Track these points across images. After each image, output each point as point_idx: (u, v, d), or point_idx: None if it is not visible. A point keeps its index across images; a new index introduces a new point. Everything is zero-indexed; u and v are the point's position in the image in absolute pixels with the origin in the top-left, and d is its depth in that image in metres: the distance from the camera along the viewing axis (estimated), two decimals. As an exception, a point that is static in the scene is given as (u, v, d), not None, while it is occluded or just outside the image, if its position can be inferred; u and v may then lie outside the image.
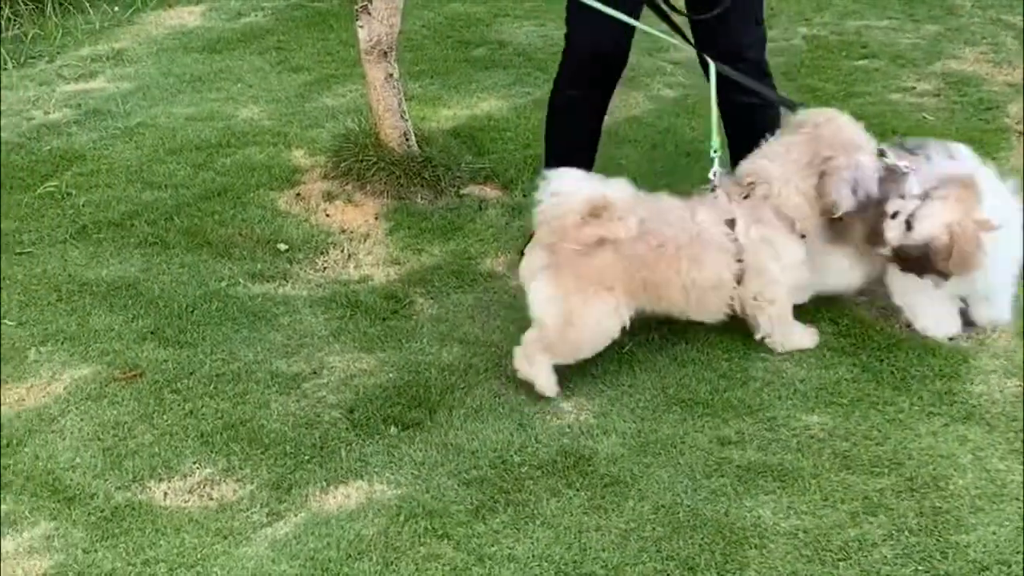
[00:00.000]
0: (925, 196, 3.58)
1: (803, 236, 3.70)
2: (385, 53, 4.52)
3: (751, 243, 3.65)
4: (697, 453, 3.32)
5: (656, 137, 5.13)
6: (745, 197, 3.70)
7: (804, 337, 3.77)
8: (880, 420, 3.42)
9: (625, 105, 5.39)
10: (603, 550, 2.98)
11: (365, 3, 4.44)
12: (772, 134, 3.86)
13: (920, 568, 2.89)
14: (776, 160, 3.71)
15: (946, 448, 3.30)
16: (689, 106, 5.33)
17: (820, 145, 3.66)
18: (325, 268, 4.26)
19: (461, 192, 4.67)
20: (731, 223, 3.65)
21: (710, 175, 3.78)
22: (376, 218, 4.52)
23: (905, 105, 5.41)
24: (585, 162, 4.07)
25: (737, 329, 3.78)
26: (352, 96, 5.57)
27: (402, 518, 3.10)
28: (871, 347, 3.73)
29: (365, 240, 4.41)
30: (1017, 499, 3.10)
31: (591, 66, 4.06)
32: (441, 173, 4.66)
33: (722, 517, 3.07)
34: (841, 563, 2.92)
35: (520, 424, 3.45)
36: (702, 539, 3.00)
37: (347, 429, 3.45)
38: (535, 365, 3.57)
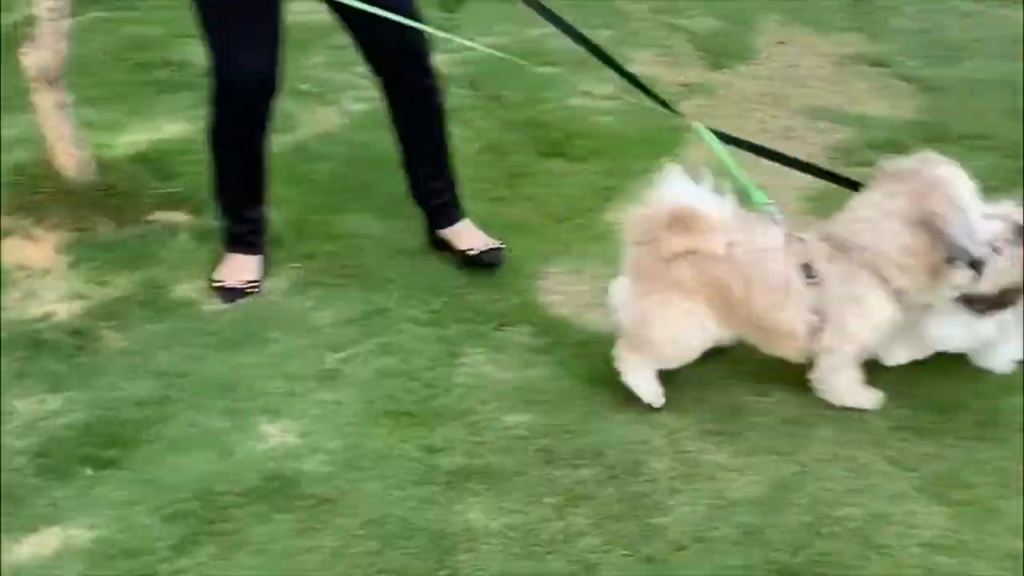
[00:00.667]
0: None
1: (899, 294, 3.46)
2: (54, 80, 4.32)
3: (837, 298, 3.44)
4: (406, 464, 3.31)
5: (350, 152, 5.11)
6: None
7: (862, 397, 3.57)
8: (580, 414, 3.51)
9: (315, 121, 5.36)
10: (315, 570, 2.94)
11: (28, 29, 4.23)
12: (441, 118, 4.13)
13: (625, 552, 2.99)
14: (875, 223, 3.43)
15: (641, 434, 3.42)
16: (382, 120, 5.32)
17: (925, 201, 3.37)
18: (3, 309, 4.03)
19: (148, 219, 4.50)
20: (809, 266, 3.44)
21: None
22: (57, 252, 4.31)
23: (586, 109, 5.59)
24: (263, 184, 4.08)
25: (438, 339, 3.82)
26: (25, 126, 5.29)
27: (101, 560, 2.96)
28: (567, 344, 3.83)
29: (46, 276, 4.19)
30: (711, 478, 3.25)
31: (258, 98, 3.93)
32: (125, 201, 4.48)
33: (433, 524, 3.08)
34: (549, 556, 2.98)
35: (222, 453, 3.35)
36: (415, 548, 3.00)
37: (35, 474, 3.26)
38: (633, 371, 3.53)
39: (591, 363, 3.73)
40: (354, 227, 4.47)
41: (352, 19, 3.96)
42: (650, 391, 3.52)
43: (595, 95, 5.74)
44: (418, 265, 4.24)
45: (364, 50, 4.10)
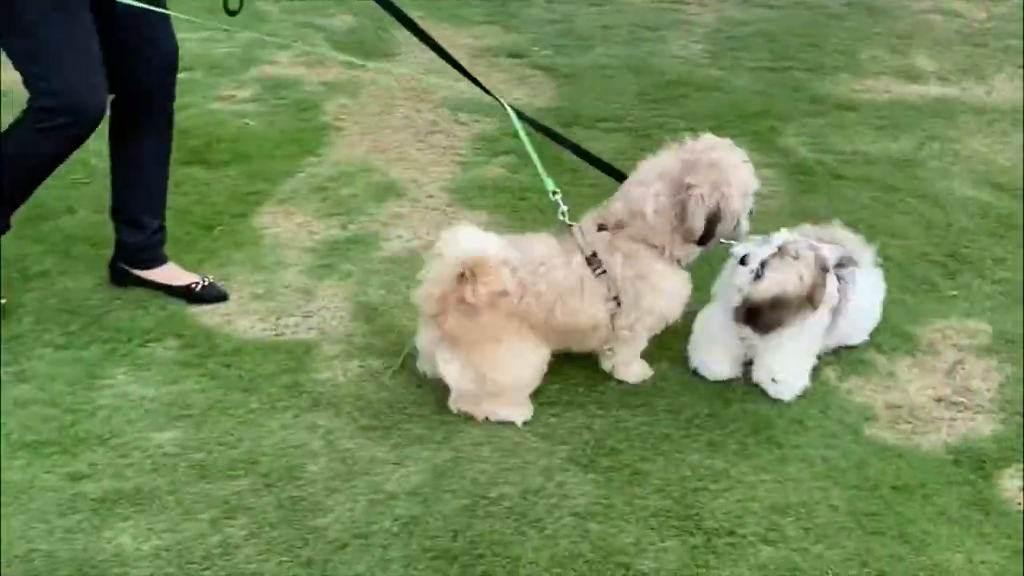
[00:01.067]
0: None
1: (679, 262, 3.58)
2: None
3: (626, 280, 3.50)
4: (48, 495, 3.14)
5: None
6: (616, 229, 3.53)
7: (643, 369, 3.72)
8: (232, 424, 3.44)
9: None
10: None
11: None
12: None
13: (284, 559, 2.95)
14: (644, 198, 3.50)
15: (298, 438, 3.39)
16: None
17: (689, 171, 3.47)
18: None
19: None
20: (593, 258, 3.48)
21: (559, 216, 3.55)
22: None
23: (227, 113, 5.49)
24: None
25: (76, 361, 3.65)
26: None
27: None
28: (217, 354, 3.74)
29: None
30: (367, 474, 3.25)
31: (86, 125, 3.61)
32: None
33: (81, 554, 2.94)
34: (206, 572, 2.90)
35: None
36: (61, 582, 2.87)
37: None
38: (499, 413, 3.49)
39: (242, 371, 3.66)
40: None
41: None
42: (520, 413, 3.52)
43: (236, 99, 5.65)
44: (53, 287, 4.03)
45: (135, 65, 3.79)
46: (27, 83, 3.56)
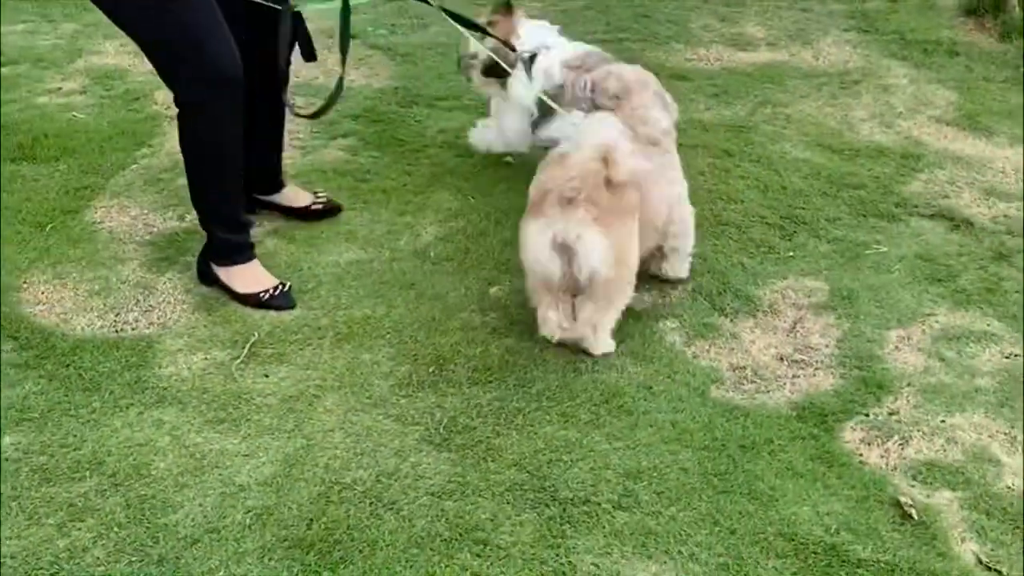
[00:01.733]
0: None
1: None
2: None
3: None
4: None
5: None
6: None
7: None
8: (75, 425, 3.34)
9: None
10: None
11: None
12: None
13: (134, 559, 2.89)
14: None
15: (144, 436, 3.31)
16: None
17: None
18: None
19: None
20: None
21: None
22: None
23: (54, 107, 5.31)
24: None
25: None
26: None
27: None
28: (55, 354, 3.63)
29: None
30: (217, 467, 3.20)
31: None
32: None
33: (-81, 571, 2.84)
34: (53, 577, 2.83)
35: None
36: (-101, 601, 2.75)
37: None
38: (601, 330, 3.68)
39: (82, 370, 3.56)
40: None
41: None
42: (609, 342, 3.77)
43: (63, 91, 5.47)
44: None
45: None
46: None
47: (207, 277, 4.01)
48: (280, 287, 3.95)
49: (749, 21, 6.61)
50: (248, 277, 3.96)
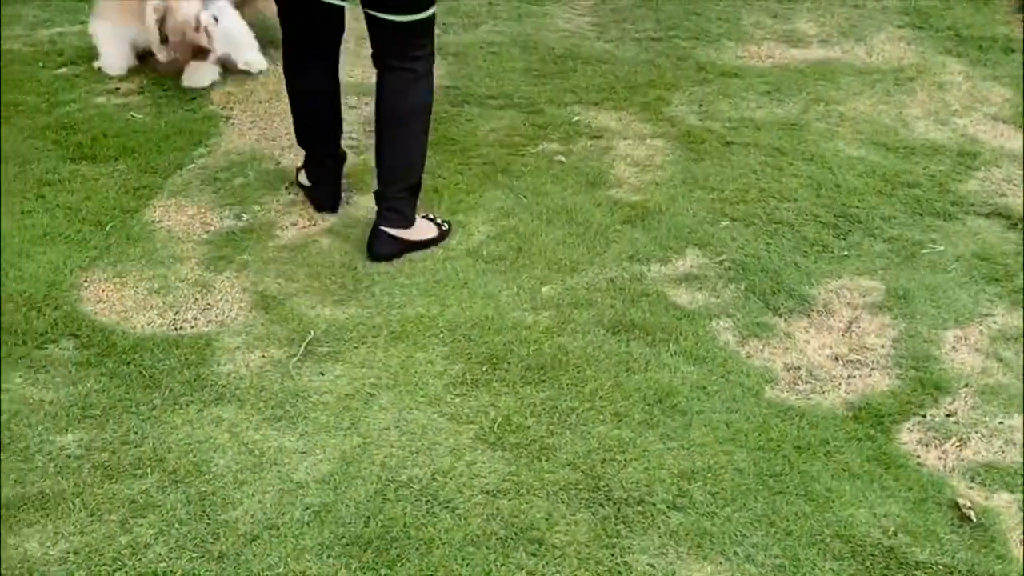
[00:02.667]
0: None
1: None
2: None
3: None
4: (-52, 506, 3.09)
5: None
6: None
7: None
8: (136, 422, 3.39)
9: None
10: None
11: None
12: None
13: (194, 555, 2.93)
14: None
15: (203, 433, 3.36)
16: None
17: None
18: None
19: None
20: None
21: None
22: None
23: (112, 107, 5.37)
24: None
25: (-29, 365, 3.58)
26: None
27: None
28: (116, 352, 3.68)
29: None
30: (275, 464, 3.24)
31: None
32: None
33: (-15, 565, 2.90)
34: (117, 573, 2.87)
35: None
36: (-33, 594, 2.82)
37: None
38: None
39: (143, 367, 3.61)
40: None
41: None
42: None
43: (121, 91, 5.54)
44: (-59, 292, 3.94)
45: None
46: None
47: None
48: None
49: (801, 17, 6.57)
50: None
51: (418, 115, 4.18)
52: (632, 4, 6.71)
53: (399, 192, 4.23)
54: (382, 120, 4.20)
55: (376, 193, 4.28)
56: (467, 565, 2.93)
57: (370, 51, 4.16)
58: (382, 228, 4.22)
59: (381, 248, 4.22)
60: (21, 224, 4.36)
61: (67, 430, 3.36)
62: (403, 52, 4.06)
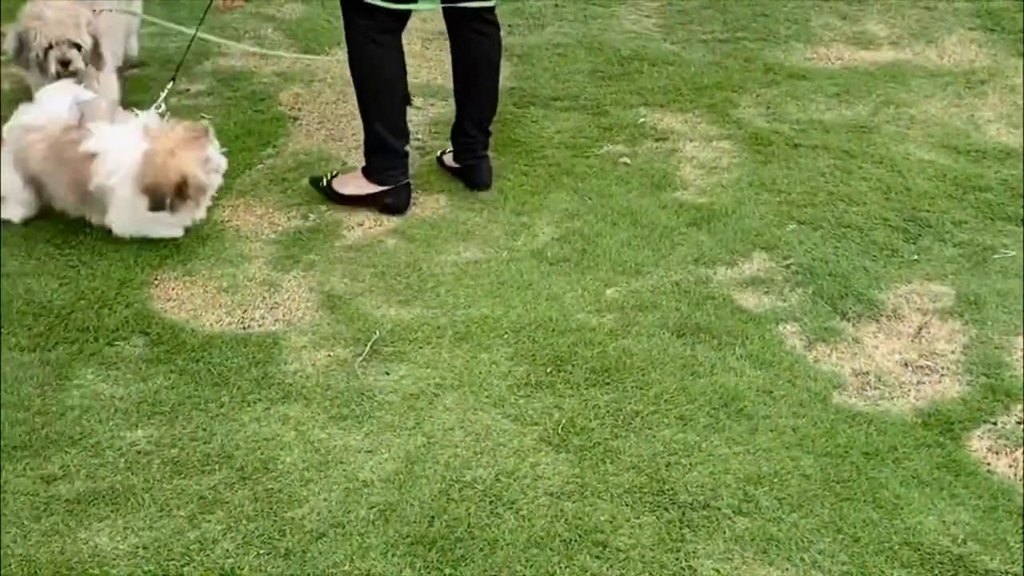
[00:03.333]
0: None
1: None
2: None
3: None
4: (22, 498, 3.13)
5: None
6: None
7: None
8: (204, 419, 3.44)
9: None
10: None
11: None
12: None
13: (261, 551, 2.96)
14: None
15: (270, 430, 3.39)
16: None
17: None
18: None
19: None
20: None
21: None
22: None
23: (182, 108, 5.43)
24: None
25: (43, 363, 3.63)
26: None
27: None
28: (185, 350, 3.73)
29: None
30: (341, 463, 3.26)
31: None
32: None
33: (58, 557, 2.94)
34: (185, 568, 2.91)
35: None
36: (39, 586, 2.86)
37: None
38: None
39: (211, 365, 3.65)
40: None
41: None
42: None
43: (191, 93, 5.60)
44: (16, 289, 4.00)
45: None
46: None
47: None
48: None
49: (871, 19, 6.50)
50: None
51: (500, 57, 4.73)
52: (699, 5, 6.68)
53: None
54: (481, 66, 4.65)
55: (471, 132, 4.71)
56: (531, 566, 2.93)
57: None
58: (486, 155, 4.77)
59: (487, 176, 4.76)
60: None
61: (137, 426, 3.41)
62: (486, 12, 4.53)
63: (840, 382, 3.61)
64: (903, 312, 3.94)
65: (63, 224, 4.29)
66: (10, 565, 2.92)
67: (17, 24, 4.71)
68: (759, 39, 6.22)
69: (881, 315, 3.92)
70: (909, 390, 3.58)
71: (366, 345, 3.74)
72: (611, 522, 3.07)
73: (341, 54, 6.07)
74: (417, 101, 5.35)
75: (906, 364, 3.70)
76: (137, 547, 2.97)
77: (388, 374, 3.62)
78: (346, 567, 2.92)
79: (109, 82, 4.98)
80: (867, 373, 3.65)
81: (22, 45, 4.66)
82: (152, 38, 6.22)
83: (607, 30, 6.34)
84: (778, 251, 4.27)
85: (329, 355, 3.72)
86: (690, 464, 3.26)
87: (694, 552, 2.97)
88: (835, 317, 3.91)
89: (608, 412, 3.47)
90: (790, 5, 6.69)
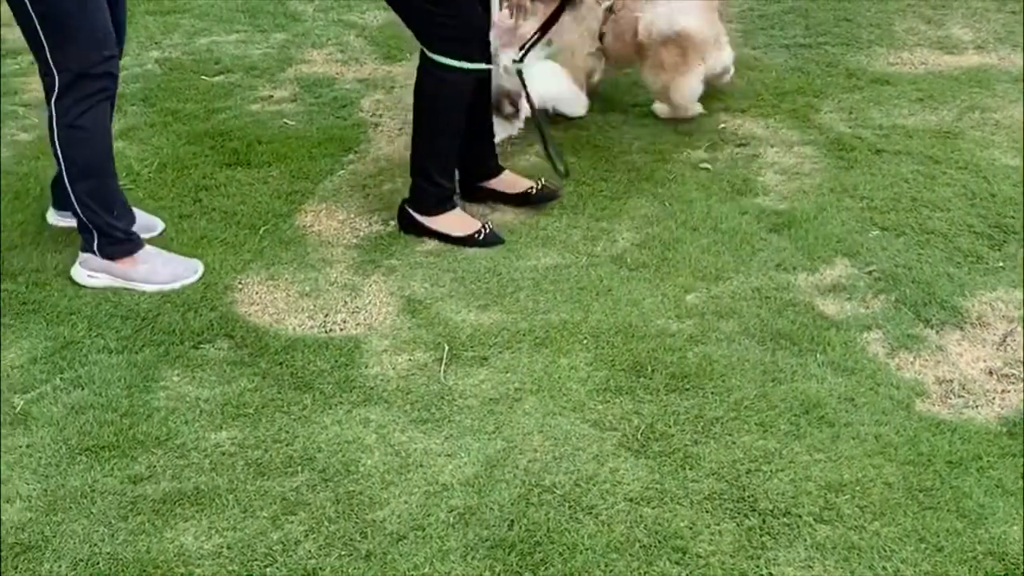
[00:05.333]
0: None
1: None
2: None
3: None
4: (110, 498, 3.20)
5: (17, 184, 4.87)
6: None
7: None
8: (287, 421, 3.48)
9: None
10: (22, 624, 2.82)
11: None
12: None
13: (343, 553, 2.99)
14: None
15: (352, 433, 3.43)
16: (46, 149, 5.12)
17: None
18: None
19: None
20: None
21: None
22: None
23: (266, 114, 5.52)
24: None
25: (131, 365, 3.71)
26: None
27: None
28: (268, 353, 3.78)
29: None
30: (421, 466, 3.29)
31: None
32: None
33: (144, 555, 2.99)
34: (268, 568, 2.95)
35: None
36: (126, 583, 2.93)
37: None
38: None
39: (294, 368, 3.71)
40: (31, 262, 4.27)
41: None
42: None
43: (274, 99, 5.69)
44: (104, 293, 4.09)
45: None
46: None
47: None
48: (487, 226, 4.43)
49: (955, 23, 6.42)
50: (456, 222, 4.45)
51: None
52: (780, 10, 6.64)
53: None
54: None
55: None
56: (610, 571, 2.93)
57: None
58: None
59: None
60: (179, 228, 4.51)
61: (221, 428, 3.47)
62: None
63: (923, 390, 3.57)
64: (988, 319, 3.88)
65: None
66: (98, 563, 2.98)
67: None
68: (841, 44, 6.17)
69: (965, 322, 3.87)
70: (994, 398, 3.53)
71: (446, 349, 3.77)
72: (691, 528, 3.06)
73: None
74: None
75: (991, 372, 3.64)
76: (221, 547, 3.02)
77: (468, 378, 3.65)
78: (426, 569, 2.95)
79: None
80: (951, 381, 3.60)
81: None
82: (238, 45, 6.33)
83: (687, 35, 6.33)
84: (860, 257, 4.23)
85: (410, 359, 3.76)
86: (771, 471, 3.24)
87: (775, 559, 2.96)
88: (918, 324, 3.86)
89: (688, 418, 3.46)
90: (873, 10, 6.63)
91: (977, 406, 3.50)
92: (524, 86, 4.55)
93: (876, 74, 5.79)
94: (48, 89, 3.95)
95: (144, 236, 4.30)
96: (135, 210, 4.31)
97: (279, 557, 2.99)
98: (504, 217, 4.57)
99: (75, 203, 4.06)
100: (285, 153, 5.11)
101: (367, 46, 6.34)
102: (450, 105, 4.31)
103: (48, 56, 3.87)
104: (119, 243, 4.12)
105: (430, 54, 4.24)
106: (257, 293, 4.13)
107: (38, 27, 3.82)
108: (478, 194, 4.69)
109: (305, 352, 3.78)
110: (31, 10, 3.79)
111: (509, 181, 4.70)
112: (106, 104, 4.01)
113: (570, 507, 3.13)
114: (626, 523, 3.07)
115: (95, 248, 4.10)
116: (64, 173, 4.04)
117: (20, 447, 3.40)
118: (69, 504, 3.19)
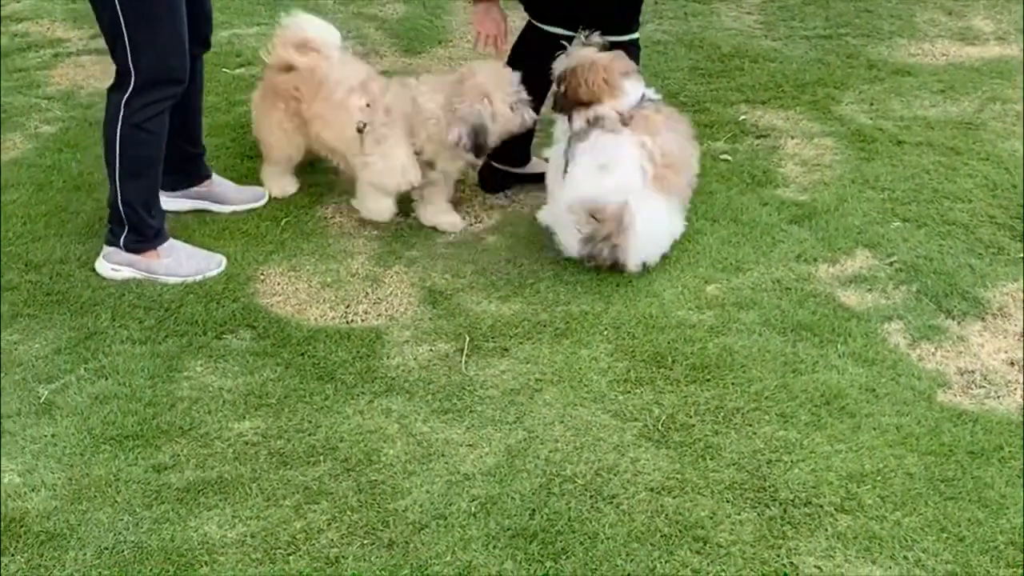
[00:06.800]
0: None
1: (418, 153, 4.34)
2: None
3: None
4: (134, 487, 3.23)
5: (41, 176, 4.90)
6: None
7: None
8: (309, 411, 3.50)
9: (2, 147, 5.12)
10: (48, 610, 2.85)
11: None
12: None
13: (365, 542, 3.02)
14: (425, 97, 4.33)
15: (374, 423, 3.44)
16: (71, 140, 5.14)
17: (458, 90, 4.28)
18: None
19: None
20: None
21: None
22: None
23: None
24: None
25: (155, 355, 3.73)
26: None
27: None
28: (291, 343, 3.80)
29: None
30: (443, 456, 3.30)
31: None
32: None
33: (168, 544, 3.02)
34: (291, 557, 2.97)
35: (-64, 503, 3.19)
36: (151, 571, 2.94)
37: None
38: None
39: (316, 359, 3.72)
40: (55, 253, 4.30)
41: None
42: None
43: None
44: (128, 284, 4.11)
45: None
46: None
47: None
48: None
49: (976, 14, 6.40)
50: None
51: None
52: (801, 2, 6.62)
53: None
54: None
55: None
56: (631, 561, 2.95)
57: None
58: None
59: None
60: (201, 219, 4.53)
61: (244, 417, 3.49)
62: None
63: (945, 380, 3.57)
64: (1009, 310, 3.88)
65: (171, 223, 4.40)
66: (123, 551, 3.01)
67: None
68: (862, 35, 6.16)
69: (987, 313, 3.86)
70: (1016, 389, 3.52)
71: (467, 340, 3.78)
72: (712, 518, 3.07)
73: (441, 51, 6.17)
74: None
75: (1012, 363, 3.64)
76: (245, 536, 3.05)
77: (489, 369, 3.66)
78: (448, 558, 2.97)
79: None
80: (972, 372, 3.60)
81: None
82: (259, 38, 6.34)
83: (707, 27, 6.32)
84: (881, 248, 4.22)
85: (431, 349, 3.77)
86: (791, 461, 3.24)
87: (795, 549, 2.96)
88: (940, 315, 3.86)
89: (708, 408, 3.47)
90: (894, 1, 6.61)
91: (999, 397, 3.49)
92: None
93: (897, 65, 5.77)
94: (119, 86, 3.98)
95: (251, 206, 4.62)
96: (230, 183, 4.70)
97: (302, 545, 3.01)
98: (523, 209, 4.57)
99: (118, 198, 4.07)
100: (306, 145, 5.13)
101: (387, 39, 6.34)
102: None
103: (128, 55, 3.90)
104: (147, 240, 4.15)
105: None
106: (279, 284, 4.15)
107: (123, 26, 3.86)
108: (501, 184, 4.72)
109: (327, 342, 3.80)
110: (119, 10, 3.83)
111: (540, 165, 4.81)
112: (171, 109, 4.05)
113: (591, 497, 3.14)
114: (647, 513, 3.08)
115: (121, 242, 4.13)
116: (116, 168, 4.06)
117: (45, 436, 3.43)
118: (94, 493, 3.21)
